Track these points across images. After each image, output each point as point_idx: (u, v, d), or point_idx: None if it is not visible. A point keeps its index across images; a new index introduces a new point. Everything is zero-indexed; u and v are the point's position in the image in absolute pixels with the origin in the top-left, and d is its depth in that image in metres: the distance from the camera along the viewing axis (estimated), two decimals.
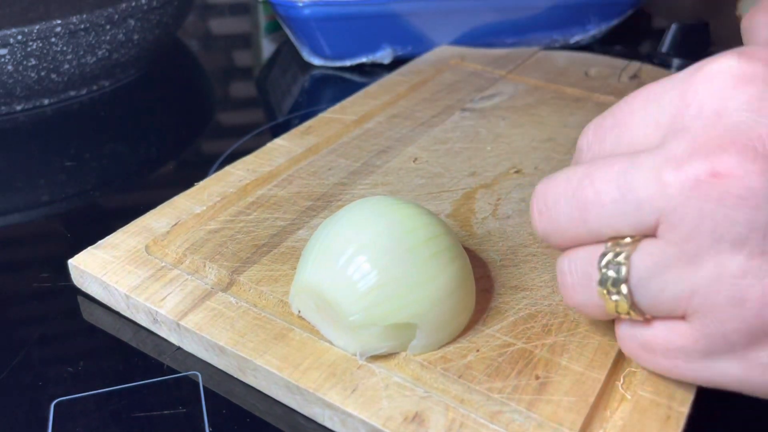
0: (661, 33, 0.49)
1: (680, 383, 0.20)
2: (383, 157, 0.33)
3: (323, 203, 0.29)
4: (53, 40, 0.40)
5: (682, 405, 0.20)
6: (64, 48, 0.40)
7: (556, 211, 0.20)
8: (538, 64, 0.44)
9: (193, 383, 0.23)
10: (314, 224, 0.28)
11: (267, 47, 0.55)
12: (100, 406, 0.22)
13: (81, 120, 0.43)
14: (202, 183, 0.31)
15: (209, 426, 0.21)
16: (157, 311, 0.24)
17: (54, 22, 0.39)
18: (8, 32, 0.38)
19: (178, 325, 0.23)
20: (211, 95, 0.48)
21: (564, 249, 0.21)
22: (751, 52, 0.18)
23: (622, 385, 0.21)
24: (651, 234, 0.18)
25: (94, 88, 0.45)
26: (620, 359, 0.22)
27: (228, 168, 0.32)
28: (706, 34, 0.47)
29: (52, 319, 0.26)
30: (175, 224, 0.28)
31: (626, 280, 0.18)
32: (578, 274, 0.20)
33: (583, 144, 0.21)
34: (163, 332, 0.24)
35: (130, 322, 0.25)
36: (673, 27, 0.47)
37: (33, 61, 0.40)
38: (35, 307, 0.27)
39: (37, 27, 0.39)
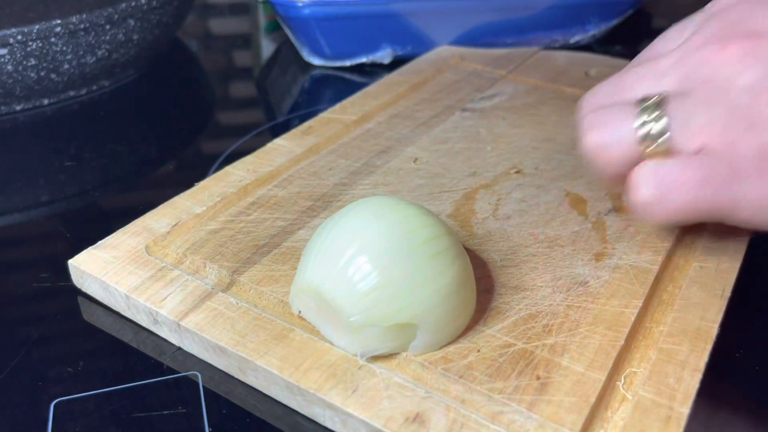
0: (661, 33, 0.49)
1: (680, 383, 0.20)
2: (383, 158, 0.33)
3: (323, 203, 0.29)
4: (53, 40, 0.39)
5: (683, 405, 0.20)
6: (64, 48, 0.40)
7: (598, 95, 0.26)
8: (538, 64, 0.44)
9: (192, 383, 0.23)
10: (314, 224, 0.28)
11: (267, 47, 0.55)
12: (100, 406, 0.22)
13: (81, 120, 0.42)
14: (202, 183, 0.31)
15: (209, 426, 0.21)
16: (157, 312, 0.24)
17: (54, 22, 0.39)
18: (8, 32, 0.38)
19: (179, 325, 0.23)
20: (211, 95, 0.48)
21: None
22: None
23: (623, 385, 0.21)
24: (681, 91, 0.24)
25: (94, 88, 0.45)
26: (621, 360, 0.22)
27: (228, 168, 0.32)
28: None
29: (52, 319, 0.26)
30: (176, 224, 0.28)
31: (665, 132, 0.23)
32: (615, 110, 0.24)
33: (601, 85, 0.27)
34: (163, 333, 0.24)
35: (130, 322, 0.25)
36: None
37: (33, 61, 0.40)
38: (35, 307, 0.27)
39: (36, 27, 0.38)
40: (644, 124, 0.23)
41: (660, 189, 0.23)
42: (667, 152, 0.23)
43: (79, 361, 0.24)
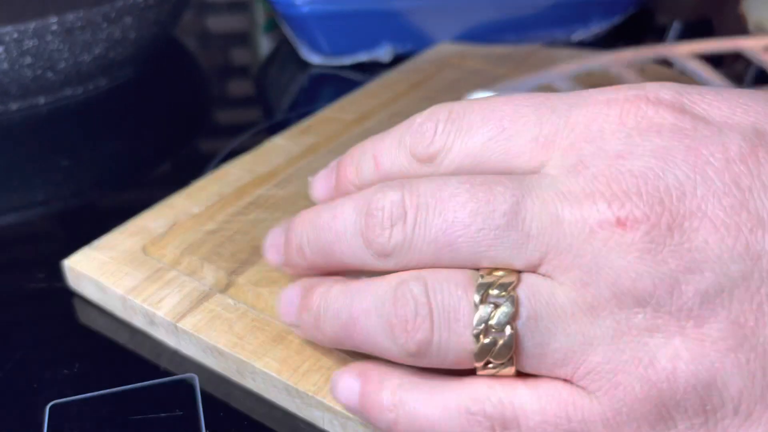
0: (663, 30, 0.49)
1: None
2: None
3: None
4: (49, 38, 0.39)
5: None
6: (60, 46, 0.40)
7: (417, 230, 0.17)
8: (540, 62, 0.44)
9: (189, 386, 0.23)
10: None
11: (265, 45, 0.55)
12: (96, 408, 0.22)
13: (77, 119, 0.42)
14: (199, 182, 0.30)
15: (206, 429, 0.21)
16: (154, 313, 0.23)
17: (50, 20, 0.39)
18: (4, 30, 0.37)
19: (176, 327, 0.23)
20: (209, 93, 0.48)
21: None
22: (656, 96, 0.16)
23: None
24: (532, 271, 0.16)
25: (91, 86, 0.45)
26: None
27: (226, 167, 0.32)
28: (709, 32, 0.47)
29: (48, 320, 0.26)
30: (173, 225, 0.27)
31: (511, 321, 0.15)
32: (439, 304, 0.16)
33: (432, 128, 0.18)
34: (160, 334, 0.24)
35: (126, 324, 0.25)
36: (676, 24, 0.47)
37: (29, 60, 0.39)
38: (30, 308, 0.27)
39: (32, 25, 0.38)
40: (486, 299, 0.16)
41: (502, 426, 0.16)
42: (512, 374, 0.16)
43: (75, 363, 0.24)
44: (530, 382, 0.16)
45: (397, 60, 0.47)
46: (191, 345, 0.23)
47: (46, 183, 0.35)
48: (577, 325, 0.15)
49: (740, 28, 0.44)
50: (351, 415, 0.20)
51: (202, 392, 0.22)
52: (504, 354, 0.16)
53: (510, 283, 0.16)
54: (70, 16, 0.39)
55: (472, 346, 0.16)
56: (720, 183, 0.15)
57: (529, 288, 0.16)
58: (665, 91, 0.16)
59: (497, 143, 0.17)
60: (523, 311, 0.16)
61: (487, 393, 0.16)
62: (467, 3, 0.48)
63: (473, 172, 0.17)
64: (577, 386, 0.16)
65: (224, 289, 0.24)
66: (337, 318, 0.18)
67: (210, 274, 0.25)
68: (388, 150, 0.19)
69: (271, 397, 0.22)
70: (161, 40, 0.48)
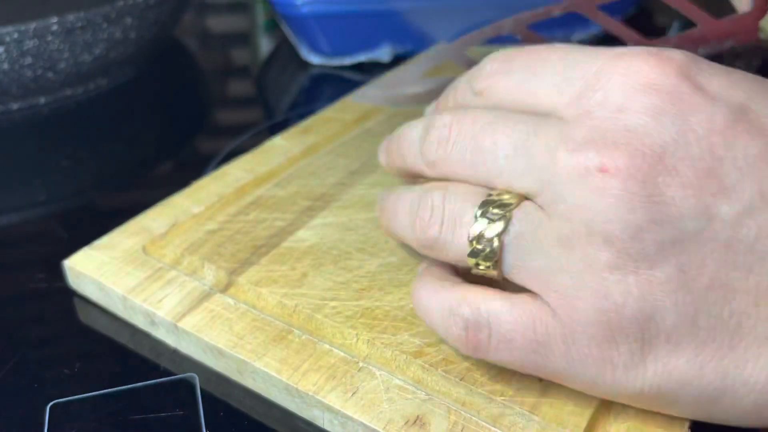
0: (663, 31, 0.49)
1: None
2: None
3: (323, 203, 0.29)
4: (50, 38, 0.39)
5: None
6: (61, 46, 0.40)
7: (456, 147, 0.20)
8: None
9: (189, 386, 0.23)
10: (314, 225, 0.27)
11: (265, 45, 0.55)
12: (96, 408, 0.22)
13: (77, 119, 0.42)
14: (199, 182, 0.30)
15: (206, 428, 0.21)
16: (154, 313, 0.24)
17: (50, 20, 0.39)
18: (4, 30, 0.37)
19: (176, 326, 0.23)
20: (209, 94, 0.48)
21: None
22: (666, 59, 0.18)
23: None
24: (532, 200, 0.19)
25: (91, 86, 0.45)
26: None
27: (226, 167, 0.32)
28: None
29: (48, 320, 0.26)
30: (173, 224, 0.27)
31: (500, 234, 0.19)
32: (450, 211, 0.20)
33: (488, 68, 0.22)
34: (160, 334, 0.24)
35: (126, 324, 0.25)
36: (675, 25, 0.47)
37: (29, 60, 0.39)
38: (31, 308, 0.27)
39: (33, 25, 0.38)
40: (485, 213, 0.19)
41: (475, 328, 0.19)
42: (499, 278, 0.19)
43: (75, 363, 0.24)
44: (506, 296, 0.19)
45: (397, 60, 0.47)
46: (191, 345, 0.23)
47: (46, 183, 0.35)
48: (553, 251, 0.18)
49: None
50: (351, 414, 0.20)
51: (202, 392, 0.22)
52: (490, 259, 0.19)
53: (509, 205, 0.19)
54: (71, 17, 0.39)
55: (466, 248, 0.19)
56: (698, 149, 0.17)
57: (523, 212, 0.19)
58: (677, 54, 0.18)
59: (528, 85, 0.20)
60: (512, 230, 0.18)
61: (468, 299, 0.19)
62: (467, 3, 0.48)
63: (510, 107, 0.20)
64: (544, 302, 0.18)
65: (224, 288, 0.24)
66: (390, 212, 0.23)
67: (210, 274, 0.25)
68: (462, 86, 0.23)
69: (271, 397, 0.22)
70: (161, 41, 0.48)
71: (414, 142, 0.22)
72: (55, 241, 0.31)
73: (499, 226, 0.19)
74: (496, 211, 0.19)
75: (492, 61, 0.22)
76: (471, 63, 0.32)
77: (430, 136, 0.21)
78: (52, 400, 0.22)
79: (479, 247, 0.19)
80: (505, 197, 0.19)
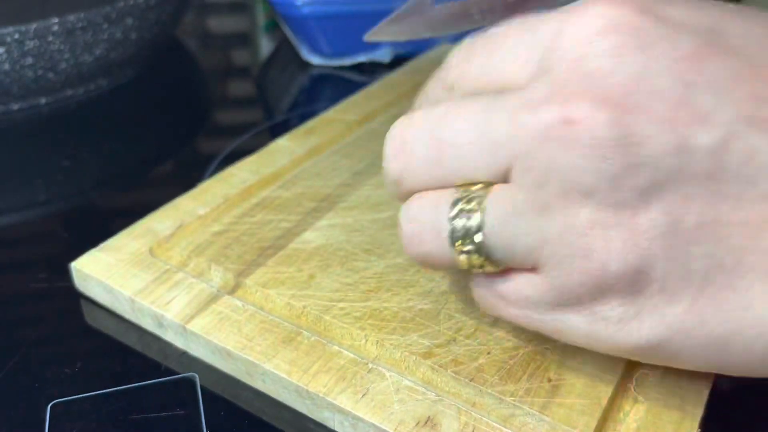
0: None
1: (693, 384, 0.20)
2: None
3: (328, 204, 0.29)
4: (50, 38, 0.39)
5: (696, 406, 0.20)
6: (62, 47, 0.40)
7: (413, 152, 0.19)
8: None
9: (190, 385, 0.23)
10: (320, 226, 0.28)
11: (265, 46, 0.55)
12: (97, 407, 0.22)
13: (78, 119, 0.42)
14: (204, 184, 0.30)
15: (207, 428, 0.21)
16: (162, 315, 0.24)
17: (51, 21, 0.39)
18: (5, 31, 0.37)
19: (185, 329, 0.23)
20: (209, 94, 0.48)
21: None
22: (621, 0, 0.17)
23: (634, 387, 0.21)
24: (504, 180, 0.18)
25: (92, 87, 0.45)
26: (633, 361, 0.22)
27: (230, 169, 0.32)
28: None
29: (49, 319, 0.26)
30: (179, 226, 0.27)
31: (480, 229, 0.18)
32: (426, 223, 0.19)
33: (454, 59, 0.20)
34: (168, 336, 0.24)
35: (128, 323, 0.25)
36: None
37: (30, 60, 0.39)
38: (32, 307, 0.27)
39: (34, 26, 0.38)
40: (459, 213, 0.18)
41: (486, 298, 0.20)
42: (498, 270, 0.19)
43: (76, 363, 0.24)
44: (509, 273, 0.19)
45: (397, 60, 0.48)
46: (200, 347, 0.23)
47: (46, 183, 0.35)
48: (535, 224, 0.17)
49: None
50: (362, 415, 0.20)
51: (203, 391, 0.22)
52: (480, 256, 0.18)
53: (480, 196, 0.18)
54: (71, 17, 0.39)
55: (453, 255, 0.18)
56: (666, 79, 0.16)
57: (495, 197, 0.17)
58: None
59: (490, 66, 0.19)
60: (488, 219, 0.17)
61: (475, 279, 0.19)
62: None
63: (481, 92, 0.19)
64: (535, 275, 0.18)
65: (232, 290, 0.24)
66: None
67: (217, 276, 0.25)
68: (432, 83, 0.22)
69: (282, 399, 0.22)
70: (162, 41, 0.48)
71: (385, 168, 0.20)
72: (56, 241, 0.31)
73: (476, 219, 0.18)
74: (468, 206, 0.18)
75: (456, 52, 0.20)
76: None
77: (386, 153, 0.20)
78: (52, 400, 0.22)
79: (465, 248, 0.18)
80: (473, 189, 0.18)
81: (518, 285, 0.18)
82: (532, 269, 0.18)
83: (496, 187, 0.18)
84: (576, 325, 0.18)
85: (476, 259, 0.18)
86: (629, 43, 0.16)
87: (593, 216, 0.16)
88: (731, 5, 0.17)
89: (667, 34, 0.16)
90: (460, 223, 0.18)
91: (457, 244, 0.18)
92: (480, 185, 0.18)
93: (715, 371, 0.18)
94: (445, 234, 0.18)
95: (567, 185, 0.16)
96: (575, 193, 0.16)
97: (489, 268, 0.19)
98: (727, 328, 0.16)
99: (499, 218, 0.17)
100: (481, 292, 0.20)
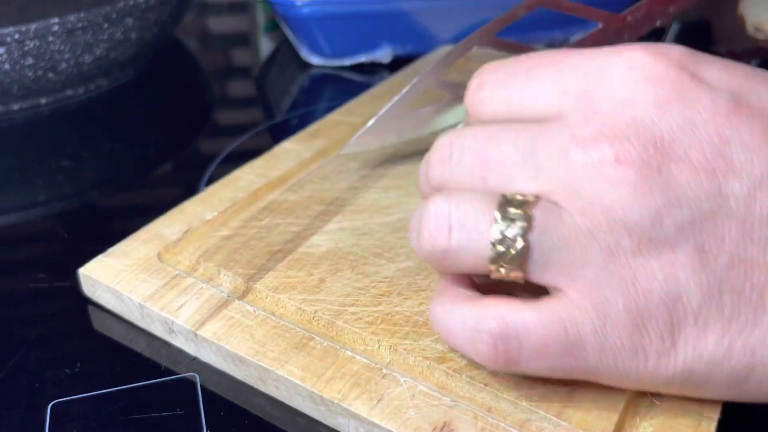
0: (662, 32, 0.49)
1: None
2: (393, 160, 0.33)
3: (336, 208, 0.29)
4: (51, 38, 0.39)
5: (713, 411, 0.20)
6: (62, 47, 0.39)
7: (460, 163, 0.20)
8: None
9: (190, 385, 0.23)
10: (328, 230, 0.27)
11: (266, 46, 0.54)
12: (97, 407, 0.22)
13: (78, 119, 0.42)
14: (211, 188, 0.30)
15: (207, 427, 0.21)
16: (173, 321, 0.23)
17: (51, 21, 0.38)
18: (5, 31, 0.37)
19: (195, 334, 0.23)
20: (210, 94, 0.48)
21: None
22: (665, 52, 0.19)
23: (650, 391, 0.21)
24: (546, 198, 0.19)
25: (92, 87, 0.44)
26: None
27: (236, 172, 0.31)
28: (708, 33, 0.47)
29: (49, 320, 0.26)
30: (187, 231, 0.27)
31: (526, 231, 0.18)
32: (460, 217, 0.19)
33: (476, 83, 0.21)
34: (179, 342, 0.24)
35: (128, 324, 0.25)
36: (675, 26, 0.48)
37: (30, 60, 0.39)
38: (32, 308, 0.27)
39: (34, 26, 0.38)
40: (505, 216, 0.18)
41: (504, 341, 0.18)
42: (522, 280, 0.19)
43: (77, 363, 0.24)
44: (530, 304, 0.19)
45: (397, 61, 0.47)
46: (211, 353, 0.23)
47: (46, 183, 0.35)
48: (577, 244, 0.18)
49: (739, 29, 0.44)
50: (378, 422, 0.20)
51: (203, 391, 0.22)
52: (515, 260, 0.18)
53: (528, 203, 0.18)
54: (72, 17, 0.39)
55: (486, 253, 0.19)
56: (705, 133, 0.18)
57: (542, 209, 0.18)
58: (674, 47, 0.19)
59: (524, 92, 0.20)
60: (535, 227, 0.18)
61: (492, 313, 0.19)
62: (466, 4, 0.48)
63: (507, 118, 0.20)
64: (568, 300, 0.18)
65: (242, 295, 0.24)
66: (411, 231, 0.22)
67: (227, 281, 0.25)
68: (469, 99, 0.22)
69: (295, 405, 0.22)
70: (162, 41, 0.48)
71: (422, 173, 0.22)
72: (56, 241, 0.31)
73: (521, 225, 0.18)
74: (515, 210, 0.18)
75: (478, 76, 0.21)
76: (450, 86, 0.32)
77: (432, 160, 0.21)
78: (53, 400, 0.22)
79: (502, 249, 0.18)
80: (520, 197, 0.19)
81: (553, 321, 0.18)
82: (554, 296, 0.19)
83: (544, 200, 0.19)
84: (619, 361, 0.18)
85: (508, 263, 0.19)
86: (673, 96, 0.18)
87: (636, 247, 0.17)
88: (758, 69, 0.19)
89: (705, 92, 0.18)
90: (504, 223, 0.18)
91: (495, 243, 0.18)
92: (524, 196, 0.19)
93: (729, 399, 0.19)
94: (483, 232, 0.19)
95: (612, 217, 0.18)
96: (620, 224, 0.17)
97: (516, 274, 0.19)
98: (750, 360, 0.18)
99: (546, 229, 0.18)
100: (487, 350, 0.19)
